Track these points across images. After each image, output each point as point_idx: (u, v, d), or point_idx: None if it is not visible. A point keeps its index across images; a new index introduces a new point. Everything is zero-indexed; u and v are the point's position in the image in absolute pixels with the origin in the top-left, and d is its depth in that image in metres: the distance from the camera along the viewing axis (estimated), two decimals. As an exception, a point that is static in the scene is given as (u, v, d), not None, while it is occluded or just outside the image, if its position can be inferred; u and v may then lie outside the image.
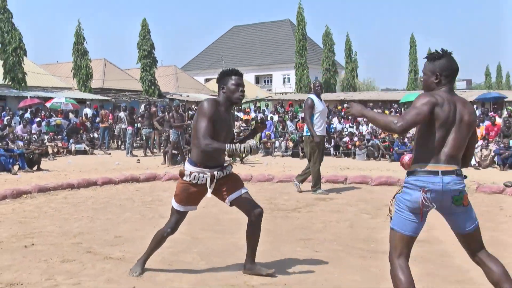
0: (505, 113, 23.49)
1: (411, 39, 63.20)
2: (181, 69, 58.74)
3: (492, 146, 17.73)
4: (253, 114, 25.63)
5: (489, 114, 23.25)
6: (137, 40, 39.54)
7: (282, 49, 64.47)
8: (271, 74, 65.81)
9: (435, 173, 3.80)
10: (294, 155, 20.31)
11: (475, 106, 28.11)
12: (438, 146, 3.86)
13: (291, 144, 21.19)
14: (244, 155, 5.36)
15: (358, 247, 6.64)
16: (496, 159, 17.23)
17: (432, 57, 4.05)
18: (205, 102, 5.09)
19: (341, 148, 21.06)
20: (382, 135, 21.13)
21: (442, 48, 4.05)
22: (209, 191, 5.19)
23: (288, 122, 23.71)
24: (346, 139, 21.31)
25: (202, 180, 5.13)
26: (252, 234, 5.52)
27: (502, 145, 17.48)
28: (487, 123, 20.50)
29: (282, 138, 22.25)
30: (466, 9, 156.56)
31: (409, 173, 3.92)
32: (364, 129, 22.37)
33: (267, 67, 64.81)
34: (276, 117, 24.72)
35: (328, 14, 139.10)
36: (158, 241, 5.41)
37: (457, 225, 4.01)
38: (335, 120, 24.00)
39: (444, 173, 3.81)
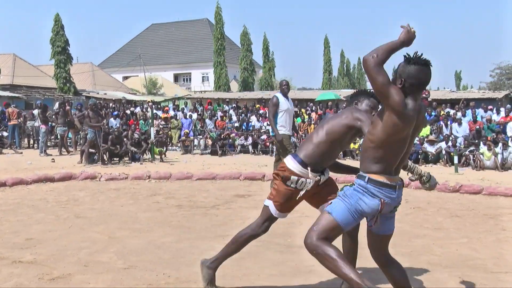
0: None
1: (325, 40, 64.57)
2: (98, 66, 57.64)
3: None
4: (172, 113, 25.37)
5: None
6: (50, 36, 38.44)
7: (200, 48, 64.25)
8: (190, 73, 65.55)
9: (393, 187, 3.81)
10: (213, 153, 20.30)
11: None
12: (392, 156, 3.80)
13: (210, 142, 21.12)
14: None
15: (275, 242, 6.69)
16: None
17: (406, 59, 3.72)
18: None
19: (259, 146, 21.18)
20: (301, 132, 21.42)
21: (422, 56, 3.70)
22: (301, 192, 4.50)
23: (207, 120, 23.66)
24: (264, 136, 21.45)
25: (307, 187, 4.48)
26: (352, 249, 4.80)
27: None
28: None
29: (201, 136, 22.13)
30: (375, 11, 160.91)
31: (369, 180, 3.77)
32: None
33: (186, 66, 64.48)
34: (195, 115, 24.58)
35: (246, 14, 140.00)
36: (239, 246, 4.89)
37: (383, 227, 3.98)
38: (253, 118, 24.14)
39: (399, 187, 3.89)
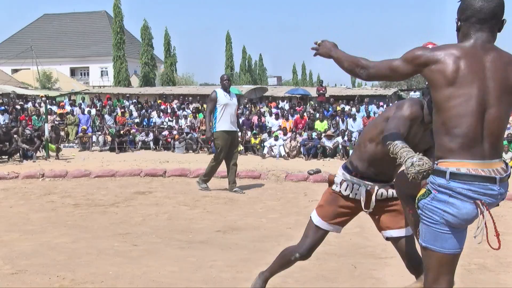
0: (308, 108, 25.45)
1: (227, 36, 64.89)
2: (-17, 57, 55.02)
3: (299, 138, 18.90)
4: (68, 108, 24.67)
5: (296, 108, 24.77)
6: None
7: (99, 41, 62.65)
8: (88, 67, 63.86)
9: (493, 180, 2.72)
10: (113, 149, 19.88)
11: (285, 101, 29.75)
12: (477, 126, 2.71)
13: (109, 139, 20.69)
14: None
15: (176, 238, 6.67)
16: (302, 149, 18.29)
17: None
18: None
19: (160, 142, 20.99)
20: (203, 127, 21.39)
21: None
22: (369, 209, 3.85)
23: (107, 116, 23.14)
24: (166, 132, 21.27)
25: (356, 194, 3.84)
26: None
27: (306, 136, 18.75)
28: (295, 116, 21.96)
29: (100, 133, 21.68)
30: (276, 10, 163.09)
31: (451, 175, 2.72)
32: (183, 122, 22.49)
33: (84, 59, 62.70)
34: (93, 111, 24.05)
35: (146, 8, 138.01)
36: (284, 265, 4.20)
37: (456, 242, 2.94)
38: (154, 114, 23.87)
39: (501, 180, 2.75)
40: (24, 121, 19.59)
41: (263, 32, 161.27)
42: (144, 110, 24.83)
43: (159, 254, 5.94)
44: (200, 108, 24.72)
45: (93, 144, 20.84)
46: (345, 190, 3.85)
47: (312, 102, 29.63)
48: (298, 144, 18.55)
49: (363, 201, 3.80)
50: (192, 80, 67.15)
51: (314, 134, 18.77)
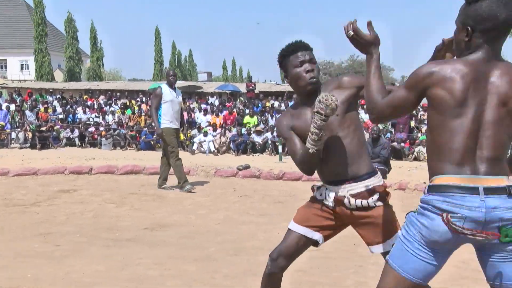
0: (238, 104, 25.71)
1: (156, 31, 64.35)
2: None
3: (229, 134, 19.01)
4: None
5: (226, 104, 24.89)
6: None
7: (18, 33, 60.48)
8: (6, 60, 61.73)
9: (474, 190, 2.38)
10: (33, 146, 19.35)
11: (214, 97, 29.86)
12: (470, 144, 2.46)
13: (30, 135, 20.14)
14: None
15: (102, 237, 6.56)
16: (231, 145, 18.38)
17: None
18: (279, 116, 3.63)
19: (86, 138, 20.60)
20: (131, 123, 21.15)
21: None
22: (329, 203, 3.38)
23: (27, 112, 22.48)
24: (92, 129, 20.90)
25: (327, 201, 3.40)
26: None
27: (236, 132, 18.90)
28: (225, 112, 22.06)
29: (19, 129, 21.07)
30: (206, 5, 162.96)
31: (430, 189, 2.50)
32: (110, 118, 22.16)
33: (1, 51, 60.54)
34: (13, 106, 23.31)
35: (70, 0, 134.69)
36: (265, 282, 3.58)
37: (498, 275, 2.46)
38: (79, 110, 23.42)
39: (488, 191, 2.38)
40: None
41: (193, 27, 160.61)
42: (69, 106, 24.40)
43: (83, 253, 5.81)
44: (128, 104, 24.43)
45: (12, 141, 20.25)
46: (320, 196, 3.49)
47: (241, 98, 29.77)
48: (228, 140, 18.70)
49: (331, 203, 3.37)
50: (120, 76, 66.38)
51: (243, 130, 18.94)
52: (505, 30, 2.47)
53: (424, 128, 18.24)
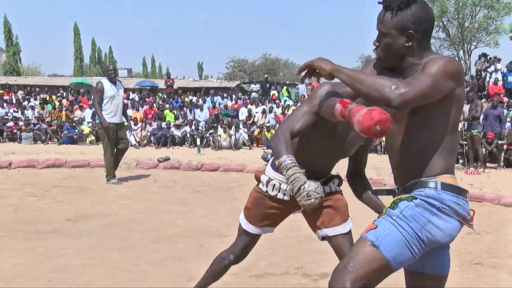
0: (158, 99, 25.69)
1: (75, 27, 62.61)
2: None
3: (149, 127, 18.95)
4: None
5: (146, 99, 24.77)
6: None
7: None
8: None
9: (466, 195, 2.40)
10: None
11: (135, 92, 29.54)
12: (453, 149, 2.45)
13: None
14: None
15: (23, 230, 6.35)
16: (152, 138, 18.32)
17: (398, 3, 2.35)
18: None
19: (5, 133, 19.91)
20: (49, 119, 20.58)
21: None
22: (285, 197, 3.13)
23: None
24: (11, 123, 20.25)
25: (284, 195, 3.14)
26: None
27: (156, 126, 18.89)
28: (145, 107, 21.95)
29: None
30: (125, 1, 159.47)
31: (445, 187, 2.32)
32: (30, 113, 21.52)
33: None
34: None
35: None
36: (217, 272, 3.50)
37: (437, 264, 2.53)
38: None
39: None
40: None
41: (113, 24, 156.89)
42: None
43: (3, 247, 5.58)
44: (48, 99, 23.80)
45: None
46: (272, 190, 3.18)
47: (160, 94, 29.58)
48: (148, 134, 18.66)
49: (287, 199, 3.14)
50: (39, 71, 64.02)
51: (163, 124, 18.92)
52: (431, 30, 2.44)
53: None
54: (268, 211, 3.24)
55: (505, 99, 18.24)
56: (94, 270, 4.80)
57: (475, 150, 12.54)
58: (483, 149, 12.66)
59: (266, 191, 3.18)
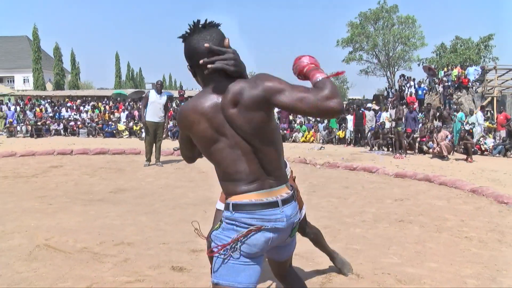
0: (173, 105, 25.23)
1: (116, 55, 61.89)
2: None
3: (169, 125, 18.62)
4: (-2, 106, 22.37)
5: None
6: None
7: (22, 57, 56.27)
8: (13, 76, 57.63)
9: (275, 204, 1.79)
10: (32, 136, 18.29)
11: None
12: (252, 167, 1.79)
13: (30, 128, 19.00)
14: None
15: (81, 198, 6.30)
16: (169, 133, 17.96)
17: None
18: None
19: (68, 130, 19.66)
20: (97, 120, 20.32)
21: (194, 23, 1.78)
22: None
23: (28, 112, 21.34)
24: (72, 123, 20.00)
25: None
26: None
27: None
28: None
29: (23, 124, 19.88)
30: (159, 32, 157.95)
31: (234, 207, 1.76)
32: (84, 115, 21.27)
33: (10, 70, 56.42)
34: (18, 108, 22.00)
35: (57, 33, 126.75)
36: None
37: (280, 254, 2.03)
38: (63, 110, 22.37)
39: (284, 202, 1.82)
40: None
41: (143, 51, 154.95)
42: (56, 107, 23.31)
43: (68, 210, 5.58)
44: (96, 105, 23.64)
45: (18, 133, 19.15)
46: None
47: (177, 101, 29.20)
48: (167, 129, 18.32)
49: None
50: (92, 85, 63.52)
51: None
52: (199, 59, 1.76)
53: (298, 120, 18.62)
54: None
55: (416, 106, 18.38)
56: (129, 228, 4.75)
57: (399, 141, 12.60)
58: (404, 141, 12.69)
59: None
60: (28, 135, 18.68)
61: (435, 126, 13.17)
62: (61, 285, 3.20)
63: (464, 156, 11.35)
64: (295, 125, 18.18)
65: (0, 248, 4.05)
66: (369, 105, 17.95)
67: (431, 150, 12.11)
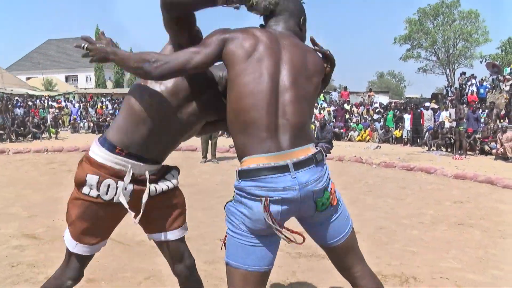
0: None
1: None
2: (6, 69, 51.58)
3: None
4: (64, 103, 23.60)
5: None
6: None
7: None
8: (77, 75, 60.82)
9: (284, 168, 1.51)
10: (94, 132, 19.17)
11: None
12: (270, 116, 1.54)
13: (92, 124, 19.95)
14: None
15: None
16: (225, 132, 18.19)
17: None
18: None
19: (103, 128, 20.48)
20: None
21: None
22: (133, 218, 1.82)
23: (90, 109, 22.36)
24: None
25: (118, 197, 1.80)
26: None
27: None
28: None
29: (85, 120, 20.91)
30: None
31: (241, 174, 1.55)
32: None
33: (74, 70, 59.57)
34: (81, 105, 23.17)
35: (117, 31, 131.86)
36: None
37: (322, 235, 1.67)
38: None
39: (297, 165, 1.52)
40: (33, 113, 18.69)
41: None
42: (116, 104, 24.18)
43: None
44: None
45: (81, 128, 20.15)
46: (107, 194, 1.79)
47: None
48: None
49: (126, 205, 1.79)
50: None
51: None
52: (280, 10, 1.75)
53: (354, 119, 18.34)
54: (103, 223, 1.86)
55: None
56: (187, 222, 4.81)
57: (460, 142, 12.07)
58: (465, 141, 12.14)
59: (98, 196, 1.79)
60: (90, 131, 19.58)
61: (499, 126, 12.50)
62: (121, 275, 3.33)
63: (531, 158, 10.70)
64: (351, 123, 17.88)
65: (66, 237, 4.26)
66: (427, 104, 17.33)
67: (493, 151, 11.51)
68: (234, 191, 1.60)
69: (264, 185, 1.50)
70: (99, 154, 1.81)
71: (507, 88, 18.98)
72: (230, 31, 1.64)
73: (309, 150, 1.58)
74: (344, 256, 1.70)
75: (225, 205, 1.65)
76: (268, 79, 1.56)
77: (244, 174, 1.54)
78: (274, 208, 1.51)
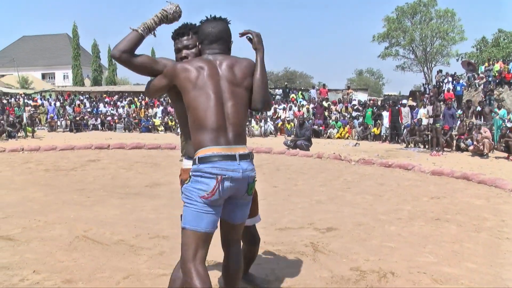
0: None
1: (152, 51, 63.01)
2: (-22, 67, 50.29)
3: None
4: (40, 101, 23.10)
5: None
6: None
7: (61, 55, 57.96)
8: (54, 73, 59.55)
9: (233, 157, 2.17)
10: (71, 130, 18.85)
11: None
12: (219, 120, 2.19)
13: (69, 123, 19.60)
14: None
15: (117, 191, 6.46)
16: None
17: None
18: None
19: (106, 124, 20.16)
20: (134, 115, 20.74)
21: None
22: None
23: (67, 107, 21.92)
24: (109, 118, 20.48)
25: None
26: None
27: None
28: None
29: (62, 118, 20.51)
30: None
31: (200, 159, 2.14)
32: (121, 111, 21.73)
33: (51, 67, 58.26)
34: (58, 104, 22.72)
35: (96, 30, 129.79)
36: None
37: (235, 214, 2.32)
38: (101, 105, 22.92)
39: (241, 157, 2.20)
40: (8, 111, 18.26)
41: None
42: (94, 102, 23.90)
43: (105, 203, 5.74)
44: (132, 100, 24.09)
45: (58, 127, 19.77)
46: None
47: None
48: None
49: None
50: (128, 81, 64.85)
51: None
52: (212, 40, 2.34)
53: (333, 116, 18.45)
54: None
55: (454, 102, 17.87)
56: (164, 221, 4.82)
57: (436, 139, 12.28)
58: (442, 138, 12.36)
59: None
60: (68, 129, 19.26)
61: (474, 124, 12.77)
62: (99, 275, 3.29)
63: (505, 154, 10.96)
64: (330, 121, 18.02)
65: (43, 237, 4.20)
66: (404, 101, 17.58)
67: (469, 148, 11.75)
68: (191, 174, 2.17)
69: (219, 166, 2.13)
70: None
71: (481, 86, 19.38)
72: (181, 67, 2.25)
73: (245, 149, 2.25)
74: (235, 233, 2.38)
75: (182, 188, 2.22)
76: (213, 96, 2.20)
77: (203, 160, 2.14)
78: (225, 183, 2.14)
